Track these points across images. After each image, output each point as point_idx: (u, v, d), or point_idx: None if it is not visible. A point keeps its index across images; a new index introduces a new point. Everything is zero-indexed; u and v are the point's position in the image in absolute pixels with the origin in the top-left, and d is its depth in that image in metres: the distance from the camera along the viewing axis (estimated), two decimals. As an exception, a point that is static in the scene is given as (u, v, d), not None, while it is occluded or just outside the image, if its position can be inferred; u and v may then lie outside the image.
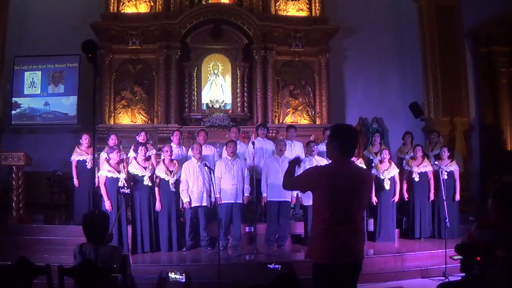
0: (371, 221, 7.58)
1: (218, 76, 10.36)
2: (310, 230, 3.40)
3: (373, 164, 7.89)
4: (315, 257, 3.17)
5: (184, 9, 10.08)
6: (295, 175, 3.48)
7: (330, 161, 3.35)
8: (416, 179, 7.61)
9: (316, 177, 3.24)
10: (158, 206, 6.76)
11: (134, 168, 6.75)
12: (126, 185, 6.61)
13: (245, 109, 10.23)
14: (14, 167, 7.46)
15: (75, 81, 10.05)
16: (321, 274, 3.12)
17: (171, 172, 6.84)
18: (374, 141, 8.59)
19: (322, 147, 7.70)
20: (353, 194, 3.13)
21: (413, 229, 7.66)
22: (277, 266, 4.44)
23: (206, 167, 6.52)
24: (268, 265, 4.56)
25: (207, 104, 10.22)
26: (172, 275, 3.99)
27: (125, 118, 9.99)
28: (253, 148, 7.46)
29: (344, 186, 3.11)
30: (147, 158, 7.06)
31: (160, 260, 6.51)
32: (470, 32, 10.55)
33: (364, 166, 7.35)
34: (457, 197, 7.66)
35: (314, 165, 6.77)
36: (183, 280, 4.03)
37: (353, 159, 7.38)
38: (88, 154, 7.53)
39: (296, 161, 3.51)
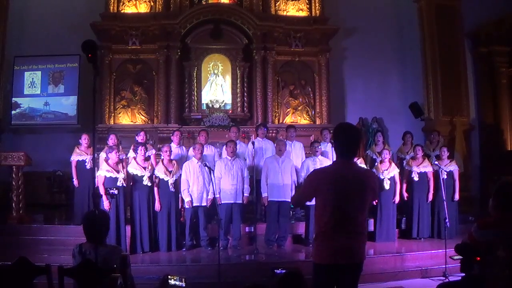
0: (371, 221, 7.57)
1: (218, 76, 10.36)
2: (313, 231, 3.39)
3: (375, 164, 7.88)
4: (315, 257, 3.19)
5: (184, 9, 10.08)
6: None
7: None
8: (416, 178, 7.61)
9: (316, 180, 3.22)
10: (157, 206, 6.76)
11: (134, 168, 6.75)
12: (124, 184, 6.61)
13: (245, 109, 10.23)
14: (14, 167, 7.46)
15: (75, 81, 10.05)
16: (320, 274, 3.14)
17: (170, 172, 6.83)
18: (377, 140, 8.59)
19: (323, 147, 7.70)
20: (354, 196, 3.10)
21: (413, 229, 7.65)
22: (284, 271, 4.39)
23: (206, 167, 6.52)
24: (275, 270, 4.51)
25: (207, 104, 10.21)
26: (171, 281, 3.98)
27: (125, 118, 9.99)
28: (253, 148, 7.46)
29: (344, 188, 3.08)
30: (147, 158, 7.06)
31: (160, 260, 6.51)
32: (470, 32, 10.55)
33: (365, 166, 7.36)
34: (456, 196, 7.66)
35: (318, 165, 6.79)
36: (184, 285, 4.03)
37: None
38: (87, 154, 7.52)
39: None
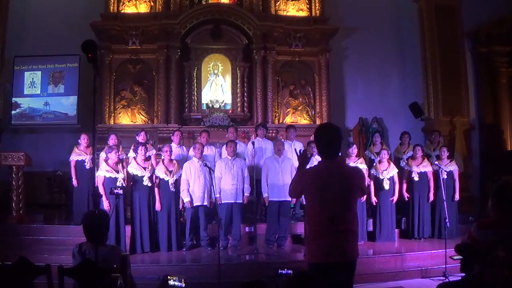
0: (371, 221, 7.58)
1: (218, 76, 10.36)
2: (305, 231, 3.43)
3: (374, 164, 7.88)
4: (309, 257, 3.23)
5: (184, 9, 10.08)
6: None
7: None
8: (416, 178, 7.61)
9: (303, 180, 3.25)
10: (158, 206, 6.76)
11: (134, 168, 6.75)
12: (124, 184, 6.61)
13: (245, 109, 10.23)
14: (14, 167, 7.47)
15: (75, 81, 10.05)
16: (314, 274, 3.15)
17: (170, 172, 6.84)
18: (375, 141, 8.61)
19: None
20: (340, 194, 3.13)
21: (413, 229, 7.66)
22: (289, 271, 4.36)
23: (206, 167, 6.52)
24: (280, 270, 4.48)
25: (207, 104, 10.21)
26: (171, 282, 3.99)
27: (125, 118, 9.99)
28: (253, 148, 7.46)
29: (330, 187, 3.11)
30: (147, 158, 7.06)
31: (160, 260, 6.52)
32: (470, 32, 10.54)
33: (365, 166, 7.36)
34: (457, 196, 7.66)
35: (314, 164, 6.79)
36: (183, 286, 4.04)
37: (353, 159, 7.36)
38: (86, 154, 7.52)
39: (303, 157, 3.37)
